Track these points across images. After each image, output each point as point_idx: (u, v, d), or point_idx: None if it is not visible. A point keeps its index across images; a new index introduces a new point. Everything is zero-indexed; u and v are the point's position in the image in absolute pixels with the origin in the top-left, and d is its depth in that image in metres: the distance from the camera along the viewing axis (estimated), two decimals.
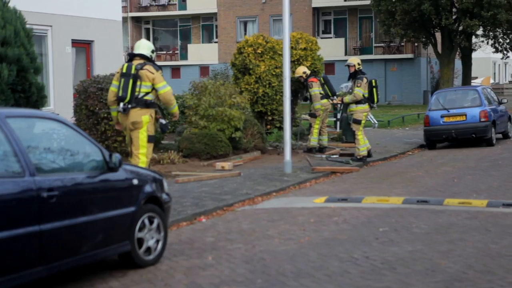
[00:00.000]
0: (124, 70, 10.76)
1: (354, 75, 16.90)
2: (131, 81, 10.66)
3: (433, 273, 7.16)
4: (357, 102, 16.69)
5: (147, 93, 10.80)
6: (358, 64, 16.99)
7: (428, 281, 6.86)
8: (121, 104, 10.74)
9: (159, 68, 10.96)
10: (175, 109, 11.26)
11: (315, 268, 7.49)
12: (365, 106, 16.80)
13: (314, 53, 19.91)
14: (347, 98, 16.92)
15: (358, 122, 16.75)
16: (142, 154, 10.86)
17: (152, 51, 11.04)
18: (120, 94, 10.69)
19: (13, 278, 6.07)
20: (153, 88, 10.82)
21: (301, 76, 18.34)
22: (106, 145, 15.11)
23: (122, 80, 10.71)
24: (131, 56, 11.01)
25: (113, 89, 10.98)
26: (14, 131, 6.37)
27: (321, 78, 18.41)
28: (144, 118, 10.77)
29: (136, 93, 10.73)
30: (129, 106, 10.71)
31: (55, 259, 6.52)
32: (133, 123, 10.76)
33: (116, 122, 11.23)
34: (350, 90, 17.14)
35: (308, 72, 18.48)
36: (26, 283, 6.37)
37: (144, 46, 11.03)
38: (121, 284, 7.13)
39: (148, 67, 10.79)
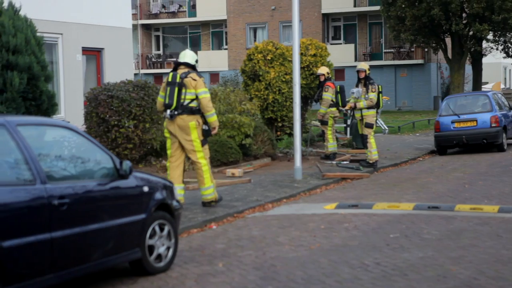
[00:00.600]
0: (169, 79, 11.19)
1: (366, 80, 16.91)
2: (176, 89, 11.08)
3: (444, 279, 7.13)
4: (370, 106, 16.75)
5: (192, 100, 11.17)
6: (368, 70, 17.07)
7: (439, 287, 6.83)
8: (168, 111, 11.14)
9: (201, 76, 11.34)
10: (212, 118, 11.32)
11: (326, 274, 7.48)
12: (375, 111, 16.99)
13: (324, 59, 19.92)
14: (361, 103, 16.86)
15: (371, 126, 16.82)
16: (201, 158, 11.34)
17: (196, 61, 11.46)
18: (167, 101, 11.11)
19: (24, 286, 6.08)
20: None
21: (322, 75, 18.12)
22: (117, 153, 15.15)
23: (168, 88, 11.14)
24: (176, 65, 11.36)
25: (160, 99, 11.40)
26: (25, 139, 6.40)
27: (338, 87, 18.33)
28: (191, 124, 11.15)
29: (182, 100, 11.13)
30: (176, 112, 11.11)
31: (66, 267, 6.53)
32: (180, 128, 11.15)
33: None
34: (365, 96, 16.97)
35: (329, 76, 18.41)
36: None
37: (189, 56, 11.45)
38: None
39: (192, 75, 11.20)
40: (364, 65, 17.16)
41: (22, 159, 6.28)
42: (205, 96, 11.13)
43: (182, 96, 11.10)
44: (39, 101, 11.70)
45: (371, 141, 16.70)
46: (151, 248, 7.67)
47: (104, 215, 7.00)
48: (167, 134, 11.43)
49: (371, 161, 16.61)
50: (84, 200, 6.76)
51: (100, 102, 15.43)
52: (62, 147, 7.09)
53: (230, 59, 50.83)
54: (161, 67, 53.78)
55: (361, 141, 20.29)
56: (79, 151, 7.17)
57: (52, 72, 13.41)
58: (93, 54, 20.86)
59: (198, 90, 11.11)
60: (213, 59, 51.85)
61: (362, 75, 16.95)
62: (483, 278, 7.12)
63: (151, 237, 7.65)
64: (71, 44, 19.52)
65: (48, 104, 11.78)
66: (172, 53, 54.65)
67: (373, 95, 16.72)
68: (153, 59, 54.16)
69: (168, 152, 11.49)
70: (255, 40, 47.04)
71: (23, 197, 6.12)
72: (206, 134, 11.38)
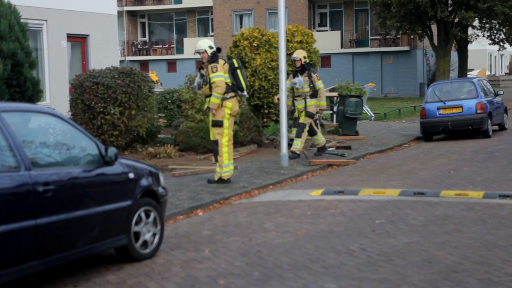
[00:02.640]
0: (240, 63, 12.62)
1: (306, 69, 15.93)
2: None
3: (429, 264, 7.17)
4: (312, 95, 15.97)
5: None
6: (304, 58, 16.02)
7: (425, 272, 6.87)
8: (245, 92, 12.57)
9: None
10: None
11: (312, 260, 7.50)
12: (317, 101, 16.12)
13: (310, 46, 19.89)
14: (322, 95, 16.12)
15: (312, 115, 16.08)
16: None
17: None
18: (248, 84, 13.08)
19: (9, 272, 6.06)
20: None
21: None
22: (102, 139, 15.09)
23: (244, 71, 12.78)
24: (219, 51, 12.55)
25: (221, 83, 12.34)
26: (9, 126, 6.36)
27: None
28: None
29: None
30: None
31: (51, 253, 6.52)
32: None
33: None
34: (310, 85, 15.87)
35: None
36: (23, 277, 6.37)
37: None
38: (117, 277, 7.13)
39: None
40: (299, 53, 16.07)
41: (6, 145, 6.23)
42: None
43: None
44: (23, 87, 11.63)
45: (306, 130, 16.00)
46: (137, 235, 7.66)
47: (90, 202, 6.97)
48: (228, 116, 12.39)
49: (298, 152, 15.89)
50: (69, 186, 6.73)
51: (86, 89, 15.35)
52: (47, 133, 7.05)
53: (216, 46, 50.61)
54: (146, 54, 53.60)
55: (348, 128, 20.39)
56: (64, 137, 7.13)
57: (37, 58, 13.31)
58: (78, 41, 20.75)
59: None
60: None
61: (298, 64, 15.85)
62: (468, 263, 7.16)
63: (137, 223, 7.64)
64: (56, 31, 19.41)
65: (32, 91, 11.72)
66: (158, 40, 54.45)
67: (320, 84, 15.96)
68: (139, 46, 53.94)
69: (227, 131, 12.44)
70: (241, 27, 46.89)
71: (7, 184, 6.09)
72: None
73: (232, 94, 12.42)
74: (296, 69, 16.00)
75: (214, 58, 12.37)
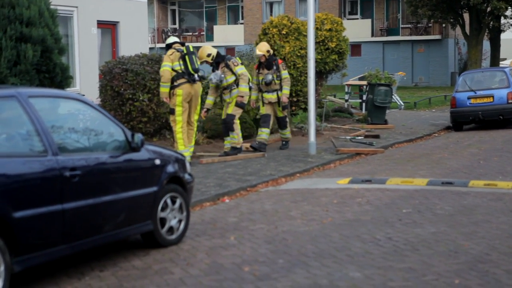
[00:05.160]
0: (191, 49, 13.25)
1: (270, 63, 15.07)
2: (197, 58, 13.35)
3: (456, 254, 7.11)
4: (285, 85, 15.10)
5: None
6: (268, 52, 15.14)
7: (451, 262, 6.82)
8: (197, 75, 13.02)
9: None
10: None
11: (337, 248, 7.47)
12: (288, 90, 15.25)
13: (339, 34, 19.78)
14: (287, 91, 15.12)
15: (287, 107, 15.43)
16: (196, 120, 13.52)
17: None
18: (196, 66, 13.09)
19: (37, 256, 6.13)
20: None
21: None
22: (131, 126, 15.18)
23: (193, 57, 13.13)
24: (173, 43, 13.34)
25: (167, 68, 13.03)
26: (37, 111, 6.40)
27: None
28: (201, 90, 13.45)
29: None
30: (197, 77, 13.08)
31: (78, 238, 6.57)
32: (196, 92, 13.20)
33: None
34: (277, 75, 15.02)
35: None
36: (49, 261, 6.44)
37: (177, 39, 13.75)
38: (143, 263, 7.17)
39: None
40: (261, 48, 15.12)
41: (33, 130, 6.28)
42: None
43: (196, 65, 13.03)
44: (52, 73, 11.69)
45: (271, 122, 15.16)
46: (163, 221, 7.69)
47: (116, 187, 7.01)
48: (180, 103, 12.91)
49: (267, 143, 15.07)
50: (95, 172, 6.77)
51: (115, 75, 15.43)
52: (74, 119, 7.10)
53: (246, 34, 50.61)
54: None
55: (377, 117, 20.26)
56: (91, 123, 7.17)
57: (66, 45, 13.41)
58: (108, 28, 20.83)
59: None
60: (229, 34, 51.66)
61: (263, 59, 15.09)
62: (495, 253, 7.09)
63: (162, 209, 7.67)
64: (87, 17, 19.50)
65: (61, 77, 11.78)
66: (188, 27, 54.49)
67: (285, 74, 15.10)
68: (169, 33, 53.99)
69: (180, 118, 12.97)
70: (271, 15, 46.75)
71: (34, 169, 6.14)
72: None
73: (182, 80, 12.97)
74: (260, 64, 15.20)
75: (167, 49, 13.27)
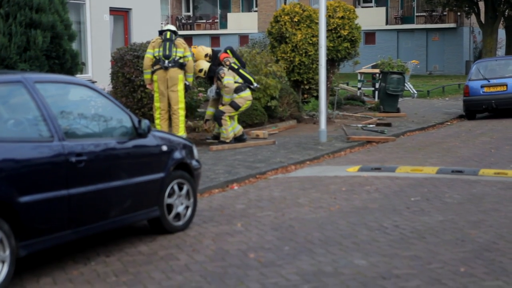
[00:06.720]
0: (167, 37, 13.34)
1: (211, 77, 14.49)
2: (173, 45, 13.32)
3: (462, 242, 7.08)
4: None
5: (180, 58, 13.37)
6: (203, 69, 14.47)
7: (457, 251, 6.79)
8: (166, 61, 13.20)
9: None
10: (191, 79, 13.87)
11: (344, 236, 7.46)
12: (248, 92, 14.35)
13: (351, 22, 19.65)
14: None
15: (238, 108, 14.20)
16: (181, 108, 13.47)
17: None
18: (167, 53, 13.24)
19: (43, 240, 6.16)
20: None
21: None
22: (142, 113, 15.20)
23: (167, 43, 13.27)
24: (163, 30, 13.62)
25: (149, 55, 13.47)
26: (43, 97, 6.41)
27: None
28: (180, 76, 13.38)
29: (174, 56, 13.33)
30: (170, 64, 13.23)
31: (84, 223, 6.59)
32: (171, 78, 13.31)
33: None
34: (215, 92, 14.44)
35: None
36: (55, 246, 6.47)
37: (172, 26, 13.82)
38: (149, 248, 7.19)
39: (180, 39, 13.63)
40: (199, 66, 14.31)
41: (39, 116, 6.30)
42: (191, 59, 13.51)
43: (174, 53, 13.23)
44: (62, 59, 11.72)
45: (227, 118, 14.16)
46: (170, 207, 7.70)
47: (122, 173, 7.02)
48: (156, 89, 13.33)
49: (227, 140, 14.15)
50: (101, 158, 6.78)
51: (126, 62, 15.44)
52: (80, 105, 7.10)
53: (260, 21, 50.45)
54: (190, 29, 53.59)
55: (389, 105, 20.19)
56: (97, 109, 7.18)
57: (76, 31, 13.42)
58: (120, 15, 20.82)
59: (186, 53, 13.38)
60: (243, 21, 51.55)
61: (204, 75, 14.62)
62: (502, 242, 7.05)
63: (169, 196, 7.68)
64: (99, 4, 19.49)
65: (71, 63, 11.80)
66: (202, 15, 54.40)
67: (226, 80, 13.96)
68: (183, 21, 53.97)
69: (158, 104, 13.41)
70: (285, 3, 46.56)
71: (40, 154, 6.16)
72: (186, 89, 13.66)
73: (157, 66, 13.35)
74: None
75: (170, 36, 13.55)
